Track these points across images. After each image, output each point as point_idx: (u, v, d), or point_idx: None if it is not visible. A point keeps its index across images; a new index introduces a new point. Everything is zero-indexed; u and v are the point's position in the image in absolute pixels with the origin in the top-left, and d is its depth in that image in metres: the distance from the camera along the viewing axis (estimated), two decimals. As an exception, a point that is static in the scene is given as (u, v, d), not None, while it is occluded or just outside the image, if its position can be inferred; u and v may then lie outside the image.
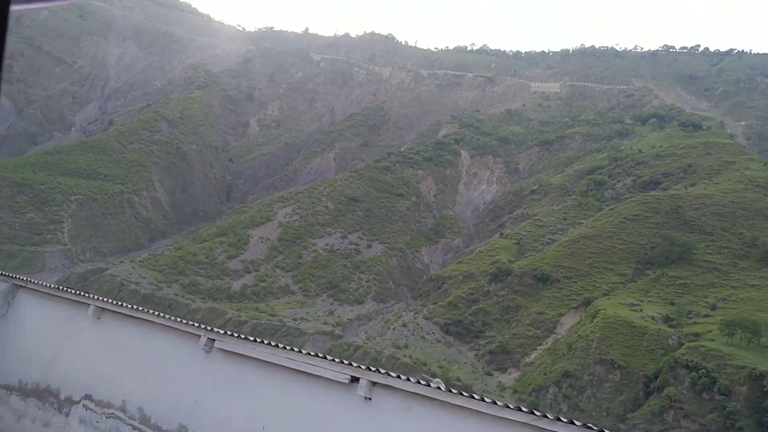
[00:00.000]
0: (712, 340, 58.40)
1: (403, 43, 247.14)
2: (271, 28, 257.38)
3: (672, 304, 71.36)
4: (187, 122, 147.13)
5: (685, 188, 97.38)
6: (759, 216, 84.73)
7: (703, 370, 53.06)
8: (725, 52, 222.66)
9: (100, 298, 14.04)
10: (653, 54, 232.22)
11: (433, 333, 80.00)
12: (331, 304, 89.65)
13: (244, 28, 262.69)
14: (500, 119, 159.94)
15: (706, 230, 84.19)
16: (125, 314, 13.29)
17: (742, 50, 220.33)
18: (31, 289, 15.19)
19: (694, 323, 65.49)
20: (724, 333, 58.65)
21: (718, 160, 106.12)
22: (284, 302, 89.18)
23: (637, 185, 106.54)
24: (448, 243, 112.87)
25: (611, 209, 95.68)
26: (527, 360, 70.88)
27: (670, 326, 64.71)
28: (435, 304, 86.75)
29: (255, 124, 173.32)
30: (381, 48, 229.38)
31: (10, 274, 15.81)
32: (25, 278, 15.73)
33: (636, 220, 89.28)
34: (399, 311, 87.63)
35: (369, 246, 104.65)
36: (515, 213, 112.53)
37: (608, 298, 73.40)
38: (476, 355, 74.90)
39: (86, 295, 14.41)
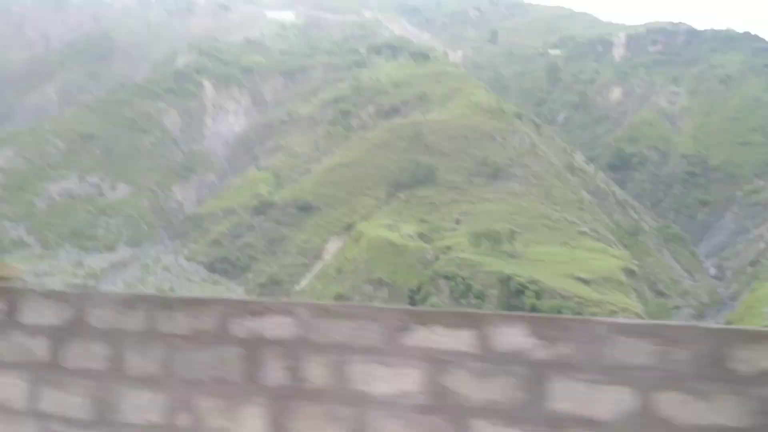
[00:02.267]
0: (463, 251, 65.32)
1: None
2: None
3: (423, 221, 77.94)
4: None
5: (423, 115, 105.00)
6: (487, 138, 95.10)
7: (460, 278, 59.45)
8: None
9: None
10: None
11: (197, 273, 77.71)
12: (78, 254, 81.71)
13: None
14: (240, 48, 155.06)
15: (445, 152, 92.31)
16: None
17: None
18: None
19: (444, 237, 72.48)
20: (472, 243, 65.93)
21: (448, 88, 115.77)
22: (19, 257, 78.78)
23: (380, 113, 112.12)
24: (201, 179, 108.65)
25: (361, 137, 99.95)
26: (298, 288, 72.68)
27: (425, 242, 70.82)
28: (196, 243, 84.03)
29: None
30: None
31: None
32: None
33: (384, 146, 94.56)
34: (157, 254, 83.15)
35: (114, 188, 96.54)
36: (268, 144, 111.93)
37: (368, 222, 77.58)
38: (246, 289, 74.68)
39: None
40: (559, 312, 53.07)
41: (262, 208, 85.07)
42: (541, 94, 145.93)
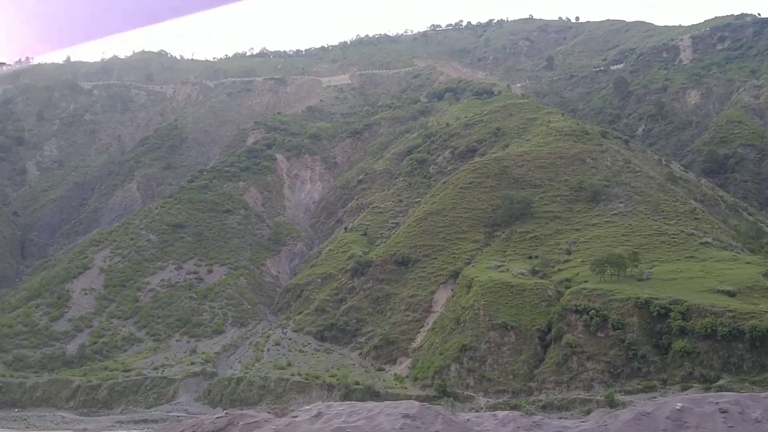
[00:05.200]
0: (586, 281, 61.44)
1: (179, 58, 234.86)
2: (28, 61, 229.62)
3: (531, 257, 74.44)
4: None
5: (503, 149, 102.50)
6: (576, 161, 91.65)
7: (593, 311, 55.42)
8: (486, 23, 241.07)
9: None
10: (424, 35, 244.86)
11: (309, 344, 76.07)
12: (188, 341, 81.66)
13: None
14: (304, 118, 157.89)
15: (535, 184, 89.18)
16: None
17: (501, 19, 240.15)
18: None
19: (560, 270, 68.74)
20: (595, 272, 62.01)
21: (521, 119, 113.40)
22: (134, 353, 79.51)
23: (456, 156, 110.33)
24: (290, 250, 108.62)
25: (444, 183, 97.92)
26: (414, 345, 69.79)
27: (540, 278, 67.20)
28: (300, 314, 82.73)
29: (33, 168, 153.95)
30: (156, 65, 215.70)
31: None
32: None
33: (471, 187, 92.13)
34: (265, 331, 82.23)
35: (210, 271, 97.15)
36: (349, 206, 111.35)
37: (473, 266, 74.65)
38: (360, 354, 72.40)
39: None
40: (714, 330, 48.68)
41: (360, 268, 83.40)
42: (612, 110, 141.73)
